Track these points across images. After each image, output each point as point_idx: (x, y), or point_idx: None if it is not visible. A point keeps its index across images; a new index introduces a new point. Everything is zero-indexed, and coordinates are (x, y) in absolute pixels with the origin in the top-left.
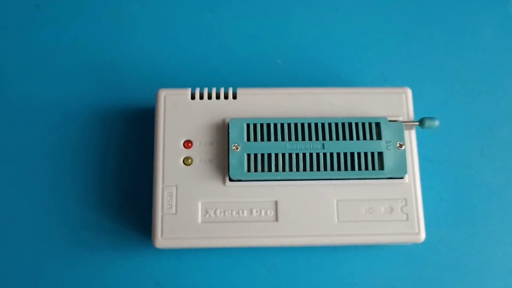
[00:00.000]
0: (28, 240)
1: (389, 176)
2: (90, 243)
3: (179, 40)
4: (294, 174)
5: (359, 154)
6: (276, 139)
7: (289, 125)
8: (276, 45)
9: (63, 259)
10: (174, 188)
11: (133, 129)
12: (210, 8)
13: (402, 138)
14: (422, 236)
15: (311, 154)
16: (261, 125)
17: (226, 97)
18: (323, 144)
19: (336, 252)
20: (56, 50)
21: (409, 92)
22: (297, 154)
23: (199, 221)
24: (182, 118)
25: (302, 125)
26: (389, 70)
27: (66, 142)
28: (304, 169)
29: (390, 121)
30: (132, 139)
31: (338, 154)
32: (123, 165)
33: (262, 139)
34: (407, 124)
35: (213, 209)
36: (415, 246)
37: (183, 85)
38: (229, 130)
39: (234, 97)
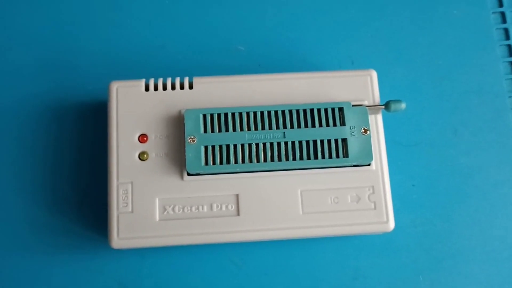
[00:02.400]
0: None
1: (355, 163)
2: (47, 245)
3: (133, 28)
4: (255, 165)
5: (322, 141)
6: (234, 129)
7: (247, 114)
8: (236, 30)
9: (17, 264)
10: (130, 185)
11: (87, 123)
12: None
13: (366, 123)
14: (391, 225)
15: (271, 144)
16: (218, 115)
17: (182, 87)
18: (284, 132)
19: (306, 243)
20: (5, 42)
21: (374, 74)
22: (257, 144)
23: (157, 218)
24: (136, 111)
25: (261, 113)
26: (356, 52)
27: (16, 138)
28: (265, 160)
29: (354, 105)
30: (87, 134)
31: (300, 142)
32: (78, 161)
33: (219, 130)
34: (373, 108)
35: (171, 206)
36: (387, 233)
37: (139, 76)
38: (185, 121)
39: (191, 87)
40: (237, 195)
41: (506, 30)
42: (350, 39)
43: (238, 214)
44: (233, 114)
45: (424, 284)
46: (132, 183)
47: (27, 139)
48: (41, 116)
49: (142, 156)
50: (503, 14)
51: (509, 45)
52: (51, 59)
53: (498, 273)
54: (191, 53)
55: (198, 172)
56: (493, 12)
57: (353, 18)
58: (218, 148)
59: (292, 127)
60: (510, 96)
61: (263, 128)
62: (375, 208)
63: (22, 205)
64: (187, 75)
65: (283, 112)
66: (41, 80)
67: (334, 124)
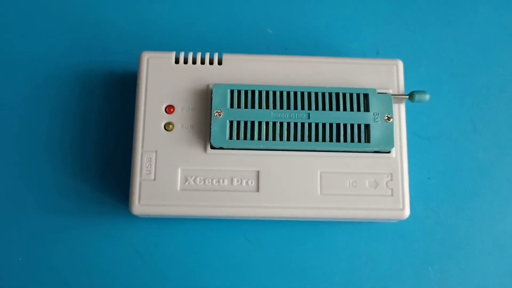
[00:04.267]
0: (4, 205)
1: (375, 149)
2: (69, 210)
3: (164, 2)
4: (278, 143)
5: (345, 125)
6: (260, 107)
7: (274, 93)
8: (266, 12)
9: (40, 226)
10: (154, 154)
11: (115, 92)
12: None
13: (390, 110)
14: (407, 212)
15: (295, 124)
16: (245, 91)
17: (211, 62)
18: (309, 113)
19: (320, 225)
20: (38, 8)
21: (400, 64)
22: (281, 123)
23: (178, 188)
24: (165, 82)
25: (288, 93)
26: (382, 41)
27: (45, 103)
28: (288, 139)
29: (379, 93)
30: (115, 103)
31: (324, 124)
32: (104, 129)
33: (246, 106)
34: (397, 97)
35: (193, 177)
36: (401, 222)
37: (169, 49)
38: (212, 95)
39: (220, 63)
40: (258, 172)
41: None
42: (377, 29)
43: (258, 190)
44: (260, 92)
45: (434, 274)
46: (156, 151)
47: (58, 108)
48: (71, 86)
49: (167, 127)
50: None
51: None
52: (81, 31)
53: (508, 268)
54: (219, 32)
55: (221, 146)
56: None
57: (381, 8)
58: (243, 124)
59: (317, 109)
60: None
61: (288, 107)
62: (392, 195)
63: (51, 169)
64: (213, 52)
65: (309, 93)
66: (72, 51)
67: (358, 109)
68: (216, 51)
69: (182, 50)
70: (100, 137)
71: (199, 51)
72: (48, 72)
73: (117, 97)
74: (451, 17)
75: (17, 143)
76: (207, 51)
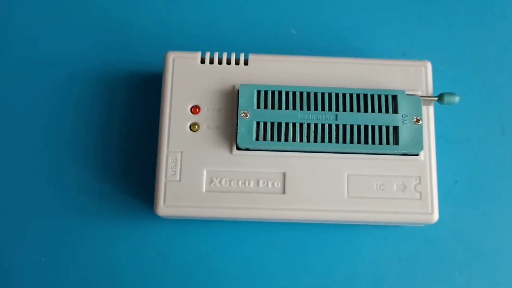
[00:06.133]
0: (28, 205)
1: (404, 152)
2: (92, 210)
3: (191, 2)
4: (304, 145)
5: (373, 127)
6: (287, 108)
7: (301, 93)
8: (291, 13)
9: (63, 226)
10: (179, 155)
11: (139, 92)
12: None
13: (419, 112)
14: (435, 216)
15: (323, 125)
16: (272, 92)
17: (237, 62)
18: (336, 115)
19: (345, 229)
20: (62, 9)
21: (429, 65)
22: (308, 124)
23: (204, 189)
24: (190, 82)
25: (315, 94)
26: (407, 43)
27: (69, 104)
28: (315, 140)
29: (407, 94)
30: (138, 103)
31: (352, 126)
32: (128, 130)
33: (272, 107)
34: (426, 99)
35: (219, 178)
36: (427, 226)
37: (193, 49)
38: (239, 96)
39: (246, 63)
40: (284, 173)
41: None
42: (402, 31)
43: (284, 192)
44: (287, 93)
45: (461, 279)
46: (181, 152)
47: (82, 108)
48: (95, 87)
49: (193, 127)
50: None
51: None
52: (106, 32)
53: None
54: (243, 31)
55: (248, 147)
56: None
57: (407, 10)
58: (269, 125)
59: (344, 110)
60: None
61: (316, 109)
62: (420, 198)
63: (75, 169)
64: (238, 51)
65: (337, 95)
66: (97, 51)
67: (387, 111)
68: (241, 51)
69: (206, 50)
70: (124, 137)
71: (223, 51)
72: (72, 72)
73: (141, 98)
74: (479, 18)
75: (41, 143)
76: (232, 51)
